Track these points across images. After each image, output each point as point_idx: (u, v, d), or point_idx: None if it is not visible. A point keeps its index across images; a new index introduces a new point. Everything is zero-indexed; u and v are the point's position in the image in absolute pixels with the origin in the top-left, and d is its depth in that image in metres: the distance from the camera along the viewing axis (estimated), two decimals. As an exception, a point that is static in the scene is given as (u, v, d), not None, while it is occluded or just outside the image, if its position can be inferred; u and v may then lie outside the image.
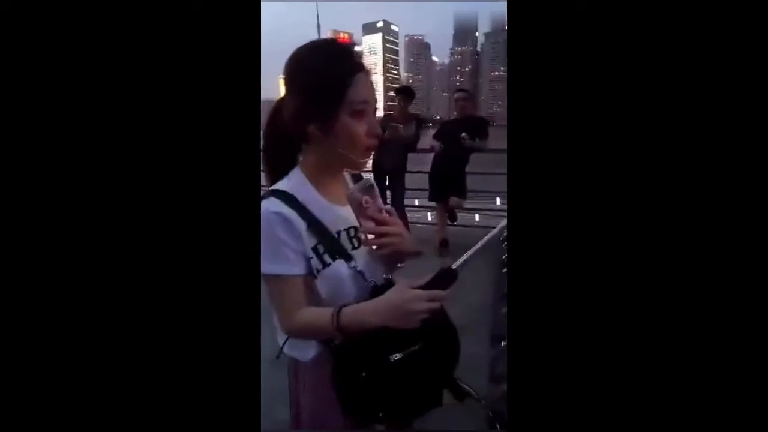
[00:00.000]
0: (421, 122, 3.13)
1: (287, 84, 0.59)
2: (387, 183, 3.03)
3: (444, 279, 0.56)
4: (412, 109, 3.04)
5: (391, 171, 2.99)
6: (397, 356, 0.58)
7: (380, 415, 0.60)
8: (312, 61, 0.57)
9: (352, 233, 0.64)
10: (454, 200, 2.90)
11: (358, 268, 0.61)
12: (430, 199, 3.03)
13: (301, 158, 0.64)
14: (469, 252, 0.61)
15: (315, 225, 0.59)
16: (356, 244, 0.64)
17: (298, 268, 0.59)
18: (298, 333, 0.61)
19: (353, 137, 0.58)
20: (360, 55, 0.60)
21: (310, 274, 0.59)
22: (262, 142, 0.64)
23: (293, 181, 0.61)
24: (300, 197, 0.59)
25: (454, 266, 0.62)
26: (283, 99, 0.61)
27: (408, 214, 3.25)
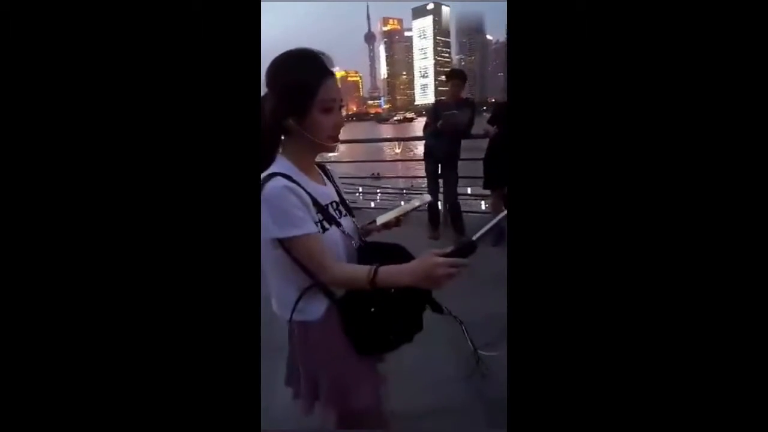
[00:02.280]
0: (474, 106, 2.99)
1: (269, 86, 0.73)
2: (439, 171, 2.95)
3: (465, 249, 0.67)
4: (465, 92, 2.90)
5: (444, 159, 2.91)
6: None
7: (390, 338, 0.77)
8: (289, 68, 0.72)
9: (335, 206, 0.80)
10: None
11: (347, 233, 0.77)
12: (485, 187, 2.90)
13: (281, 149, 0.76)
14: (487, 226, 0.71)
15: (312, 197, 0.73)
16: (339, 215, 0.80)
17: (316, 228, 0.71)
18: (335, 282, 0.73)
19: (322, 129, 0.72)
20: (329, 60, 0.73)
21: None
22: None
23: (283, 166, 0.73)
24: (294, 177, 0.72)
25: (474, 238, 0.70)
26: (264, 98, 0.74)
27: (461, 203, 3.14)
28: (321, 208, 0.74)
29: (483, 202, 3.90)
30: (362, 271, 0.69)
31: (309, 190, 0.73)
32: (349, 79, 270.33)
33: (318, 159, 0.83)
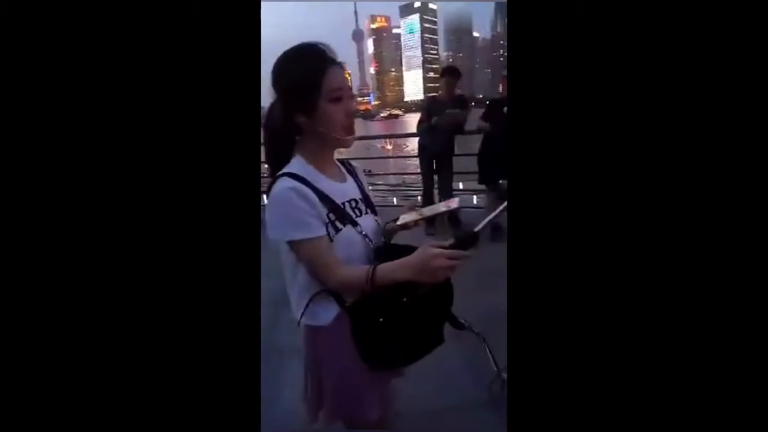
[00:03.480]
0: (467, 103, 3.03)
1: (274, 88, 0.73)
2: (434, 167, 2.99)
3: (466, 241, 0.65)
4: (457, 89, 2.94)
5: (439, 154, 2.94)
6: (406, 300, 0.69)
7: (401, 353, 0.73)
8: (291, 64, 0.71)
9: (353, 204, 0.76)
10: (506, 182, 2.79)
11: (363, 233, 0.73)
12: (480, 182, 2.94)
13: (297, 148, 0.75)
14: (490, 216, 0.69)
15: (324, 197, 0.70)
16: (358, 213, 0.76)
17: (323, 231, 0.69)
18: (339, 286, 0.71)
19: (333, 120, 0.70)
20: (331, 51, 0.71)
21: (329, 238, 0.70)
22: (263, 140, 0.76)
23: (296, 166, 0.72)
24: (306, 176, 0.70)
25: (475, 230, 0.67)
26: (272, 104, 0.75)
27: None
28: (334, 207, 0.71)
29: (475, 197, 3.95)
30: (362, 271, 0.68)
31: (322, 189, 0.71)
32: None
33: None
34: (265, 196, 0.71)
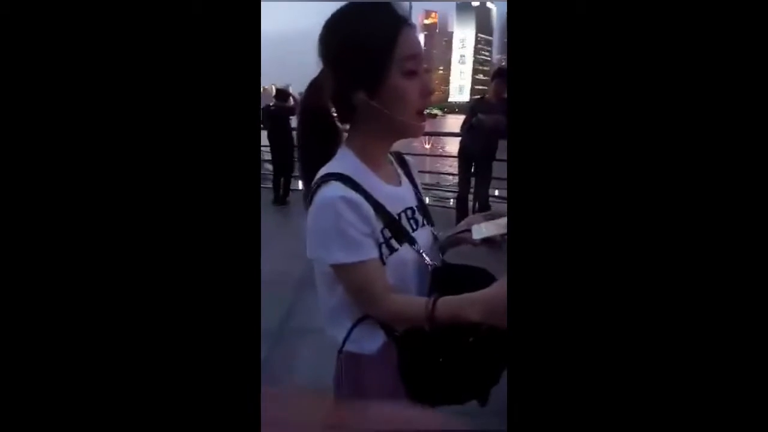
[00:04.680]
0: (516, 107, 2.92)
1: (324, 55, 0.55)
2: (472, 170, 2.92)
3: None
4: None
5: (479, 157, 2.87)
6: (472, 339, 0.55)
7: (458, 395, 0.60)
8: (350, 23, 0.53)
9: (410, 214, 0.61)
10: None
11: (420, 251, 0.59)
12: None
13: (345, 138, 0.59)
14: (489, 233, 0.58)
15: (379, 208, 0.56)
16: (414, 226, 0.62)
17: (375, 252, 0.55)
18: (387, 318, 0.58)
19: (406, 98, 0.53)
20: (402, 8, 0.54)
21: (381, 260, 0.56)
22: (297, 132, 0.62)
23: (345, 163, 0.57)
24: (359, 179, 0.55)
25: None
26: (317, 79, 0.57)
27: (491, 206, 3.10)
28: (390, 221, 0.57)
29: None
30: (419, 304, 0.53)
31: (377, 196, 0.56)
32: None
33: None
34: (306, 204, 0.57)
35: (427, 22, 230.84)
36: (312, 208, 0.55)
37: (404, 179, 0.66)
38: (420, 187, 0.69)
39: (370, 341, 0.61)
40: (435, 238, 0.66)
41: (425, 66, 0.55)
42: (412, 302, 0.56)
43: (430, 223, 0.66)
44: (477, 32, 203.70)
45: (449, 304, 0.53)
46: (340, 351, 0.63)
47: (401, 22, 0.52)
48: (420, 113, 0.55)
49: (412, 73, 0.53)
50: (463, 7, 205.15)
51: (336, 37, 0.54)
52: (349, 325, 0.61)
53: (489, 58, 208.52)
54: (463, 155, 2.93)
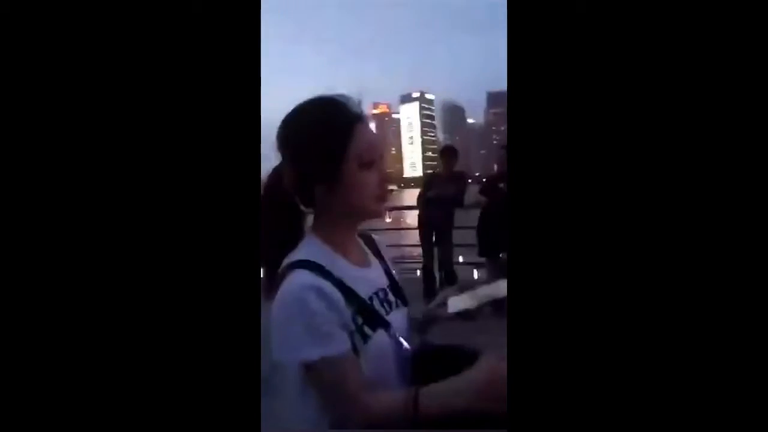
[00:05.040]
0: (465, 179, 3.19)
1: (283, 149, 0.56)
2: (434, 240, 3.03)
3: None
4: (456, 167, 3.12)
5: (438, 228, 3.00)
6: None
7: None
8: (309, 120, 0.55)
9: (382, 296, 0.58)
10: (506, 255, 2.80)
11: (396, 335, 0.56)
12: (480, 254, 2.96)
13: (310, 224, 0.58)
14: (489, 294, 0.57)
15: (350, 294, 0.53)
16: (388, 308, 0.58)
17: (348, 344, 0.51)
18: (367, 420, 0.51)
19: (364, 188, 0.54)
20: (355, 104, 0.55)
21: (355, 351, 0.52)
22: (261, 218, 0.56)
23: (311, 249, 0.55)
24: (325, 264, 0.53)
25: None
26: (278, 168, 0.57)
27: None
28: (362, 308, 0.54)
29: (475, 270, 3.92)
30: (398, 401, 0.49)
31: (346, 282, 0.53)
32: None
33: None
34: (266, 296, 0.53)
35: (376, 111, 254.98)
36: (277, 301, 0.51)
37: (373, 259, 0.64)
38: (391, 264, 0.66)
39: None
40: (409, 319, 0.62)
41: (381, 154, 0.56)
42: (392, 398, 0.51)
43: (405, 303, 0.63)
44: (421, 118, 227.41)
45: (433, 395, 0.49)
46: None
47: (355, 118, 0.54)
48: (379, 199, 0.56)
49: (369, 164, 0.54)
50: (405, 99, 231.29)
51: (293, 134, 0.55)
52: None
53: (435, 138, 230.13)
54: (424, 227, 3.06)
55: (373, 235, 0.67)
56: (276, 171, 0.58)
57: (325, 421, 0.54)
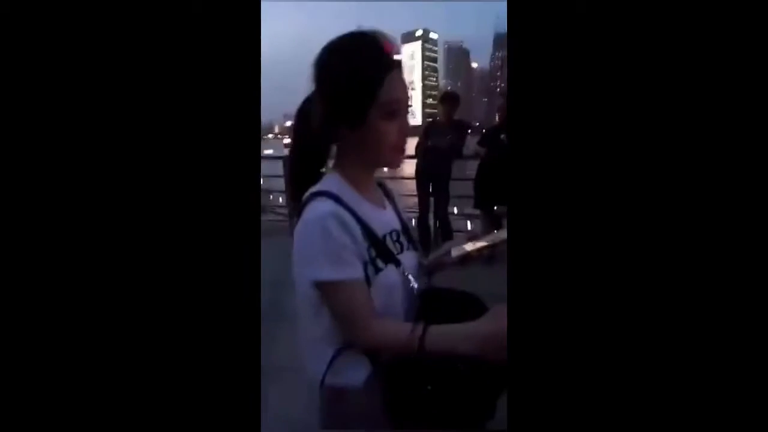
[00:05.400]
0: (466, 128, 3.07)
1: (316, 86, 0.57)
2: (431, 190, 2.99)
3: None
4: (456, 115, 2.99)
5: (436, 178, 2.95)
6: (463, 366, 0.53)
7: (447, 425, 0.55)
8: (341, 60, 0.55)
9: (395, 237, 0.62)
10: (501, 208, 2.80)
11: (406, 273, 0.59)
12: (476, 206, 2.95)
13: (333, 161, 0.61)
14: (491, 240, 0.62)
15: (365, 227, 0.56)
16: (399, 248, 0.62)
17: (361, 272, 0.55)
18: (374, 345, 0.56)
19: (384, 139, 0.56)
20: (394, 49, 0.56)
21: (367, 280, 0.56)
22: (289, 149, 0.63)
23: (333, 183, 0.58)
24: (346, 199, 0.56)
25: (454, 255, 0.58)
26: (309, 99, 0.59)
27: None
28: (376, 242, 0.57)
29: (469, 222, 3.95)
30: (406, 331, 0.52)
31: (363, 217, 0.56)
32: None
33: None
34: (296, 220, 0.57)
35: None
36: (300, 225, 0.54)
37: (388, 204, 0.67)
38: (402, 212, 0.69)
39: (355, 373, 0.57)
40: (420, 261, 0.65)
41: (407, 107, 0.57)
42: (400, 328, 0.54)
43: (415, 247, 0.66)
44: (423, 60, 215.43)
45: (441, 335, 0.51)
46: (321, 384, 0.59)
47: (388, 66, 0.54)
48: (397, 149, 0.57)
49: (393, 114, 0.55)
50: (407, 37, 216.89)
51: (326, 71, 0.56)
52: (329, 355, 0.58)
53: (436, 83, 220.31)
54: (421, 177, 3.00)
55: (386, 183, 0.70)
56: (308, 99, 0.59)
57: (331, 345, 0.57)
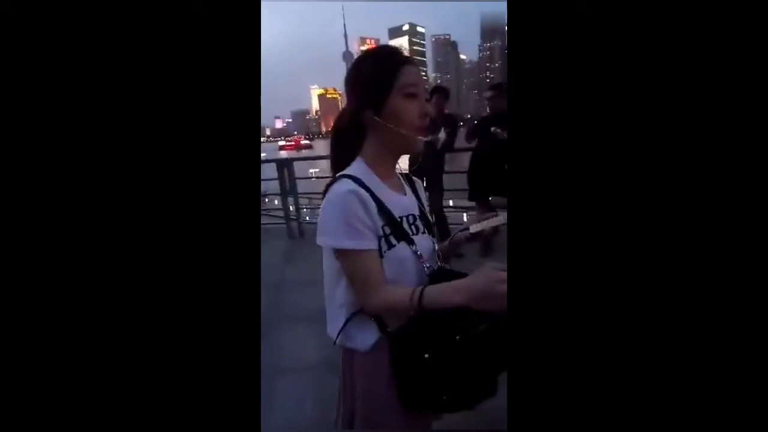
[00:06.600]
0: (457, 121, 3.09)
1: (347, 88, 0.69)
2: (425, 184, 3.01)
3: None
4: (447, 109, 3.00)
5: (429, 172, 2.97)
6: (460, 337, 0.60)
7: (444, 398, 0.62)
8: (364, 62, 0.68)
9: (411, 220, 0.70)
10: (495, 199, 2.83)
11: (418, 252, 0.66)
12: (470, 198, 2.97)
13: (362, 151, 0.70)
14: (488, 224, 0.71)
15: (382, 207, 0.64)
16: (415, 231, 0.69)
17: (375, 244, 0.63)
18: (378, 307, 0.64)
19: (406, 116, 0.64)
20: (406, 53, 0.68)
21: (380, 253, 0.64)
22: (330, 146, 0.75)
23: (358, 168, 0.68)
24: (367, 182, 0.65)
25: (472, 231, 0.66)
26: (344, 108, 0.71)
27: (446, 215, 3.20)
28: (392, 220, 0.65)
29: (465, 214, 3.98)
30: (408, 291, 0.60)
31: (381, 198, 0.65)
32: (329, 96, 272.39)
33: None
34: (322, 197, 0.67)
35: (363, 48, 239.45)
36: (325, 201, 0.64)
37: (409, 192, 0.75)
38: (424, 203, 0.77)
39: (364, 337, 0.66)
40: (434, 246, 0.72)
41: (424, 94, 0.67)
42: (402, 291, 0.61)
43: (431, 233, 0.73)
44: (411, 54, 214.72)
45: (436, 291, 0.59)
46: (334, 344, 0.69)
47: (403, 60, 0.66)
48: (418, 128, 0.66)
49: (411, 96, 0.65)
50: (394, 32, 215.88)
51: (354, 73, 0.68)
52: (342, 319, 0.67)
53: (426, 78, 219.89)
54: (414, 171, 3.02)
55: (414, 177, 0.79)
56: (342, 111, 0.71)
57: (348, 311, 0.66)
